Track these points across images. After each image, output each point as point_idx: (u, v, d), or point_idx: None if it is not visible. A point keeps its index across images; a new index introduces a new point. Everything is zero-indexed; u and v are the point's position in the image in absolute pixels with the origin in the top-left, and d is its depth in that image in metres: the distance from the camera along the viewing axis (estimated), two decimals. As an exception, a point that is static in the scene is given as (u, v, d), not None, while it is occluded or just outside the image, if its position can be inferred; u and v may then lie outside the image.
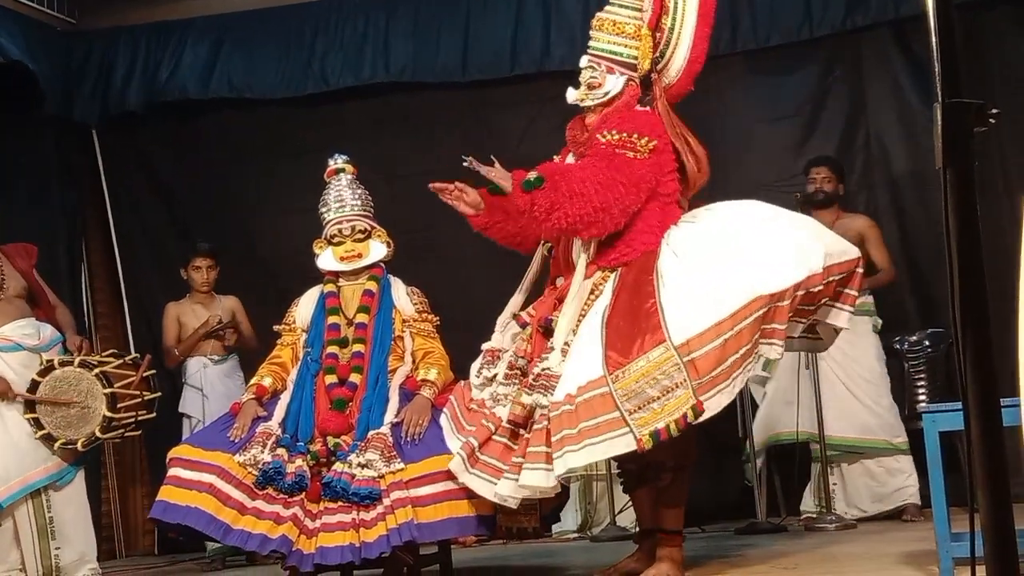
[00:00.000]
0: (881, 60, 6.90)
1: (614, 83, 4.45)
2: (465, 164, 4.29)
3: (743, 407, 6.24)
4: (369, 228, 5.00)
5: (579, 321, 4.29)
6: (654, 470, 4.32)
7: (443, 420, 4.60)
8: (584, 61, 4.51)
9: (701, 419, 3.98)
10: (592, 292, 4.35)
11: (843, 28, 6.79)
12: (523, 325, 4.50)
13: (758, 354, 4.15)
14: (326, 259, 4.98)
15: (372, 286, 4.97)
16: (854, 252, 4.50)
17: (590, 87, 4.47)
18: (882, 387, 6.24)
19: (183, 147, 7.80)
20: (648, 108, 4.48)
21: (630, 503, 5.51)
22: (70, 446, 5.35)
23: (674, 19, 4.46)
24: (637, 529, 4.91)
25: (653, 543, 4.46)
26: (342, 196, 4.99)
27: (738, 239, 4.29)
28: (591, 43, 4.52)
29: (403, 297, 5.00)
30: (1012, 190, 6.28)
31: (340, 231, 4.96)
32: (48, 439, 5.32)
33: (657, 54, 4.49)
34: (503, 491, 4.17)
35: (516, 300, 4.69)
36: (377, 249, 5.00)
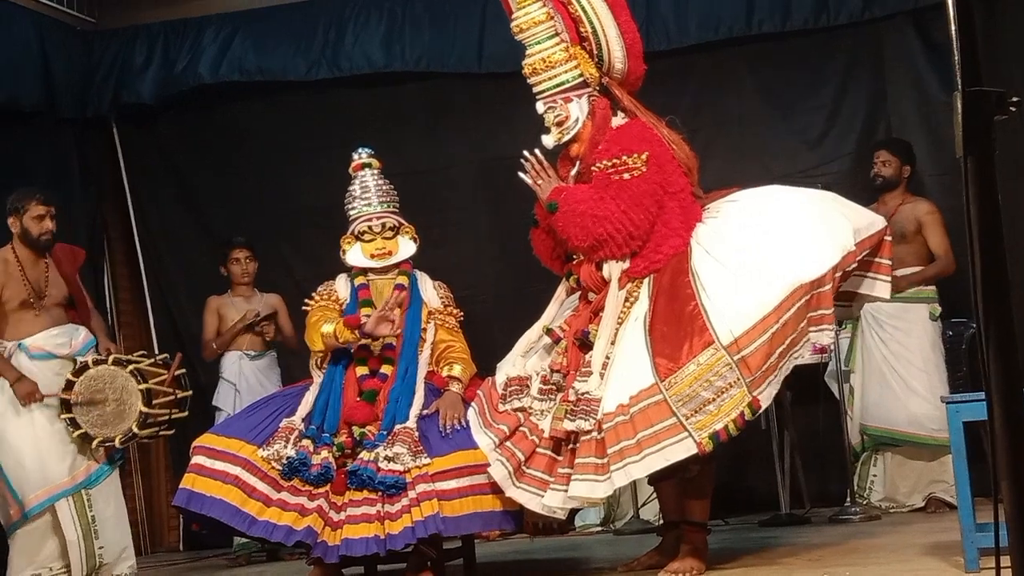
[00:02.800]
0: (902, 50, 6.86)
1: (578, 108, 4.48)
2: (521, 174, 4.51)
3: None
4: (398, 224, 4.99)
5: (616, 329, 4.29)
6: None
7: (471, 415, 4.61)
8: (540, 107, 4.53)
9: (757, 414, 4.03)
10: (626, 300, 4.36)
11: (862, 18, 6.76)
12: (556, 340, 4.50)
13: (806, 341, 4.16)
14: (355, 255, 4.94)
15: (403, 281, 4.96)
16: (880, 223, 4.52)
17: (559, 124, 4.49)
18: (936, 377, 6.08)
19: (203, 143, 7.81)
20: (627, 118, 4.49)
21: (653, 496, 5.51)
22: (108, 443, 5.37)
23: (590, 21, 4.46)
24: (660, 522, 4.91)
25: (677, 535, 4.46)
26: (369, 192, 4.96)
27: (768, 229, 4.29)
28: (535, 89, 4.53)
29: (430, 290, 5.01)
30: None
31: (370, 228, 4.94)
32: (85, 438, 5.34)
33: (596, 60, 4.50)
34: (551, 502, 4.17)
35: (543, 320, 4.68)
36: (406, 246, 4.99)
